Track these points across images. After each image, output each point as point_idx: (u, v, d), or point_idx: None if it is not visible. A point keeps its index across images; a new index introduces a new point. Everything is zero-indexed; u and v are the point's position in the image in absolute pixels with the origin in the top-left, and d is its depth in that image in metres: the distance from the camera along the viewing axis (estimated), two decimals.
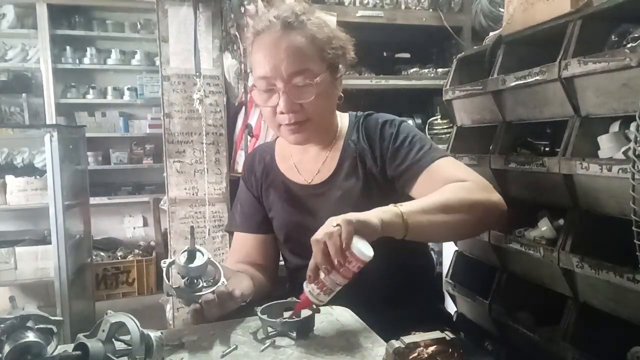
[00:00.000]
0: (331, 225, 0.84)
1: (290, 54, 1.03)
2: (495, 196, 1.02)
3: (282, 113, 1.07)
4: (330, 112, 1.17)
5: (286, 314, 0.96)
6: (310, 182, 1.18)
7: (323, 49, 1.07)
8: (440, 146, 2.29)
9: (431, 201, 0.95)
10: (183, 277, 0.92)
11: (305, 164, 1.21)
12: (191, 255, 0.91)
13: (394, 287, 1.12)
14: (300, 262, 1.21)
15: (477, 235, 1.07)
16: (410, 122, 2.56)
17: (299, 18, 1.05)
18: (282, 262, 1.31)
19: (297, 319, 0.93)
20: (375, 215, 0.88)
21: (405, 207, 0.92)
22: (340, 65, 1.13)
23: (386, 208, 0.92)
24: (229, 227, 1.32)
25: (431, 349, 0.72)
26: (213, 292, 0.91)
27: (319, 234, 0.84)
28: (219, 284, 0.93)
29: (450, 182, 1.01)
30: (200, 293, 0.91)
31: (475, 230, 1.08)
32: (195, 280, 0.92)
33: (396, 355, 0.71)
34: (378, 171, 1.13)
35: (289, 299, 0.98)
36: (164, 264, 0.94)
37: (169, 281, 0.92)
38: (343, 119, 1.22)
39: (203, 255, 0.92)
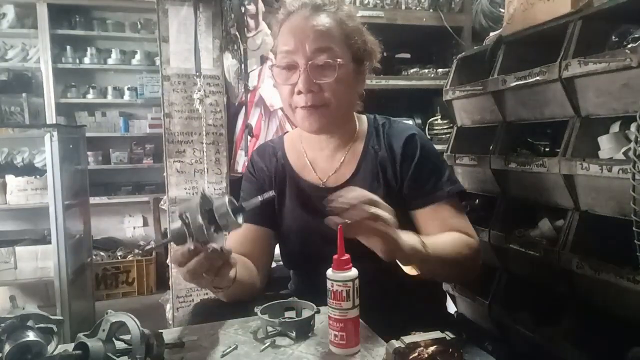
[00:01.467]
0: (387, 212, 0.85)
1: (317, 31, 1.04)
2: (480, 260, 1.09)
3: (299, 93, 1.05)
4: (350, 104, 1.14)
5: (287, 314, 0.96)
6: (324, 182, 1.15)
7: (350, 37, 1.08)
8: (440, 147, 2.30)
9: (448, 251, 0.99)
10: (203, 218, 0.78)
11: (319, 162, 1.18)
12: (235, 211, 0.81)
13: (394, 288, 1.11)
14: (305, 263, 1.17)
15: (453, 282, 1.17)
16: (410, 122, 2.58)
17: (330, 4, 1.09)
18: (280, 263, 1.29)
19: (297, 318, 0.93)
20: (409, 240, 0.91)
21: (429, 246, 0.94)
22: (365, 62, 1.13)
23: (414, 239, 0.93)
24: None
25: (431, 349, 0.72)
26: (222, 248, 0.81)
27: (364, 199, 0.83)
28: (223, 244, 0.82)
29: (458, 231, 1.06)
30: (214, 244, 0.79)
31: (452, 280, 1.12)
32: (207, 227, 0.80)
33: (396, 355, 0.71)
34: (396, 185, 1.12)
35: (290, 300, 0.98)
36: (202, 191, 0.82)
37: (199, 207, 0.78)
38: (361, 121, 1.20)
39: (241, 220, 0.83)
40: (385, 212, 0.85)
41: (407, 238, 0.91)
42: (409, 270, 0.96)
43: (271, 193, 0.88)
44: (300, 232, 1.16)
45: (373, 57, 1.14)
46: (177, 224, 0.80)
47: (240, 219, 0.82)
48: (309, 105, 1.05)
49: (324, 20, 1.06)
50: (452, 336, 0.74)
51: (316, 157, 1.18)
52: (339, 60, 1.04)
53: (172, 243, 0.83)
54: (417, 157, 1.10)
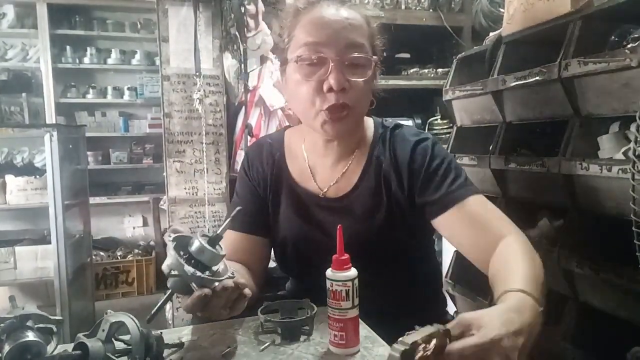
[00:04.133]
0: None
1: (351, 25, 0.95)
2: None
3: (329, 91, 0.94)
4: (367, 108, 1.04)
5: (287, 314, 0.96)
6: (325, 192, 1.06)
7: (373, 37, 1.02)
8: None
9: (534, 274, 0.80)
10: (191, 260, 0.77)
11: (320, 170, 1.08)
12: (212, 242, 0.79)
13: (403, 296, 1.06)
14: (303, 271, 1.13)
15: None
16: (409, 122, 2.58)
17: (354, 2, 1.03)
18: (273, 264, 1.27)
19: (296, 319, 0.93)
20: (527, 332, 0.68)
21: (534, 297, 0.74)
22: (377, 66, 1.04)
23: (529, 313, 0.71)
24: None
25: (432, 343, 0.71)
26: (235, 283, 0.78)
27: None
28: (228, 274, 0.80)
29: (493, 226, 0.92)
30: (219, 278, 0.77)
31: None
32: (202, 268, 0.78)
33: (403, 358, 0.70)
34: (403, 197, 1.02)
35: (290, 300, 0.98)
36: (169, 237, 0.80)
37: (179, 257, 0.75)
38: (368, 125, 1.10)
39: (221, 249, 0.82)
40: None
41: (525, 318, 0.69)
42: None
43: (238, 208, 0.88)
44: (297, 242, 1.08)
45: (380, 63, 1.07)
46: (172, 278, 0.77)
47: (222, 250, 0.80)
48: (340, 103, 0.95)
49: (355, 15, 0.98)
50: (445, 328, 0.73)
51: (317, 165, 1.09)
52: (374, 57, 0.98)
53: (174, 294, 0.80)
54: (425, 166, 1.00)
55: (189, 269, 0.74)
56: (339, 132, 1.00)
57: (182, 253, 0.77)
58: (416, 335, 0.72)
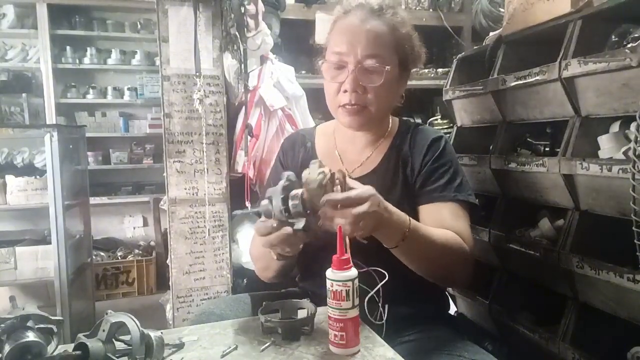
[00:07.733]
0: (372, 206, 0.87)
1: (370, 37, 1.08)
2: (470, 270, 1.10)
3: (345, 92, 1.10)
4: (389, 105, 1.19)
5: (287, 314, 0.96)
6: (350, 173, 1.19)
7: (400, 43, 1.13)
8: None
9: (434, 238, 1.00)
10: (283, 203, 0.89)
11: (349, 154, 1.22)
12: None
13: (411, 280, 1.08)
14: (327, 252, 1.18)
15: (440, 283, 1.15)
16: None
17: (386, 10, 1.13)
18: None
19: (296, 318, 0.93)
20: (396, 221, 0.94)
21: (413, 225, 0.97)
22: (409, 66, 1.18)
23: (402, 216, 0.96)
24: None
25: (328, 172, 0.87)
26: (295, 232, 0.90)
27: (363, 208, 0.86)
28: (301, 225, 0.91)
29: (454, 231, 1.06)
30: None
31: (436, 279, 1.10)
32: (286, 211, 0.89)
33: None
34: (412, 179, 1.16)
35: (290, 300, 0.99)
36: (286, 177, 0.91)
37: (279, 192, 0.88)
38: (394, 122, 1.26)
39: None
40: (363, 206, 0.86)
41: (398, 212, 0.95)
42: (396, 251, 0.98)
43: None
44: None
45: (418, 61, 1.20)
46: (266, 201, 0.90)
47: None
48: (352, 103, 1.10)
49: (377, 26, 1.10)
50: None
51: (346, 150, 1.23)
52: (387, 67, 1.08)
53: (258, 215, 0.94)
54: (435, 156, 1.15)
55: (280, 203, 0.86)
56: (356, 125, 1.15)
57: (287, 193, 0.88)
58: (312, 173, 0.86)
